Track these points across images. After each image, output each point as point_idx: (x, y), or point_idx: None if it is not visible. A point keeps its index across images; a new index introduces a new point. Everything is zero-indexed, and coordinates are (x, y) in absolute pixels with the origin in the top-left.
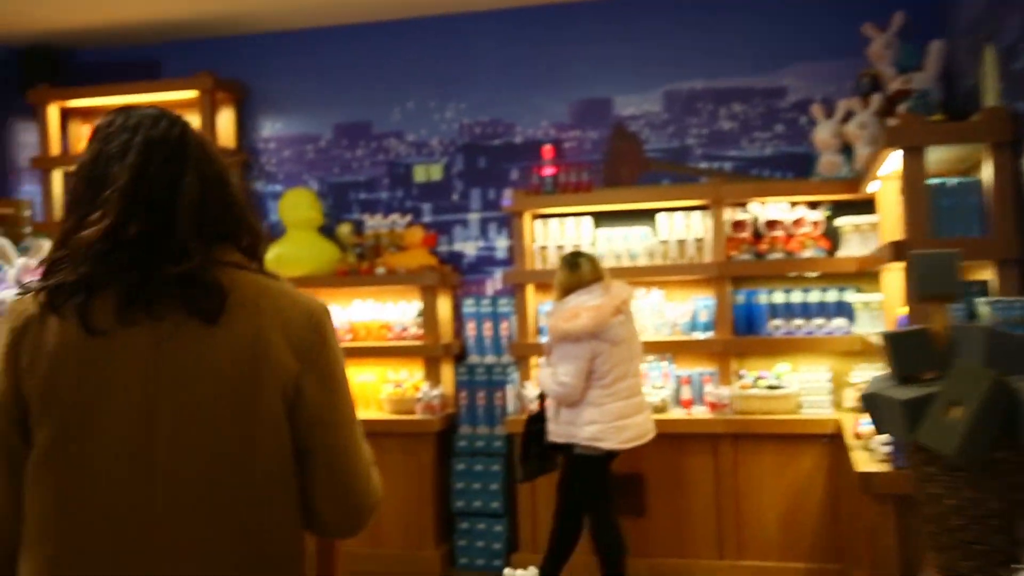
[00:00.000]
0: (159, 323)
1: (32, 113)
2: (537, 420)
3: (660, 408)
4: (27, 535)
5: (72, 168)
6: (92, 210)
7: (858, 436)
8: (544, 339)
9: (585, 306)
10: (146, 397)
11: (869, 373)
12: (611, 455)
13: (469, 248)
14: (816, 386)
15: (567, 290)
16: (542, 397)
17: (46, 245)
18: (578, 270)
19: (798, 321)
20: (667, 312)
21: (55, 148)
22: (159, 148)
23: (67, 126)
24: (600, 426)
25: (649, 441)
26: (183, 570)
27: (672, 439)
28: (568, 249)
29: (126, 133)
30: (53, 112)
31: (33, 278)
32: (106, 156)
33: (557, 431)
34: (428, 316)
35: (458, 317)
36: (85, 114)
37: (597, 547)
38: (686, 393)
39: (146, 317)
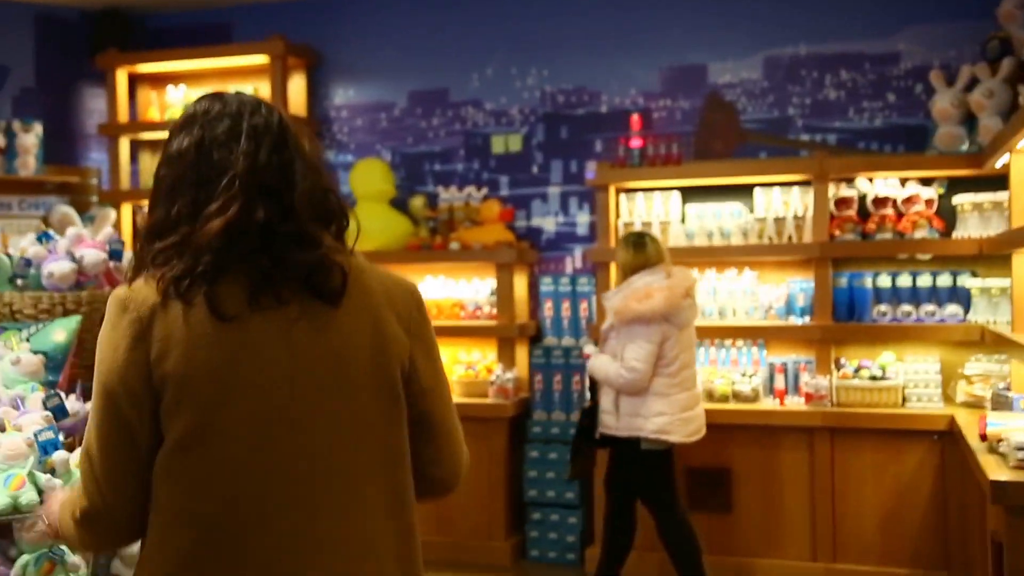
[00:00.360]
0: (285, 308)
1: (101, 79)
2: (590, 414)
3: (751, 398)
4: (158, 524)
5: (138, 136)
6: (202, 197)
7: (984, 438)
8: (605, 324)
9: (657, 286)
10: (284, 380)
11: (985, 365)
12: (671, 449)
13: (548, 224)
14: (924, 378)
15: (632, 271)
16: (593, 389)
17: (112, 215)
18: (644, 250)
19: (906, 307)
20: (761, 295)
21: (123, 115)
22: (266, 135)
23: (135, 93)
24: (668, 418)
25: (735, 433)
26: (331, 547)
27: (763, 431)
28: (655, 225)
29: (228, 119)
30: (122, 77)
31: (87, 249)
32: (212, 142)
33: (617, 424)
34: (503, 295)
35: (535, 296)
36: (154, 80)
37: (668, 546)
38: (780, 382)
39: (274, 302)
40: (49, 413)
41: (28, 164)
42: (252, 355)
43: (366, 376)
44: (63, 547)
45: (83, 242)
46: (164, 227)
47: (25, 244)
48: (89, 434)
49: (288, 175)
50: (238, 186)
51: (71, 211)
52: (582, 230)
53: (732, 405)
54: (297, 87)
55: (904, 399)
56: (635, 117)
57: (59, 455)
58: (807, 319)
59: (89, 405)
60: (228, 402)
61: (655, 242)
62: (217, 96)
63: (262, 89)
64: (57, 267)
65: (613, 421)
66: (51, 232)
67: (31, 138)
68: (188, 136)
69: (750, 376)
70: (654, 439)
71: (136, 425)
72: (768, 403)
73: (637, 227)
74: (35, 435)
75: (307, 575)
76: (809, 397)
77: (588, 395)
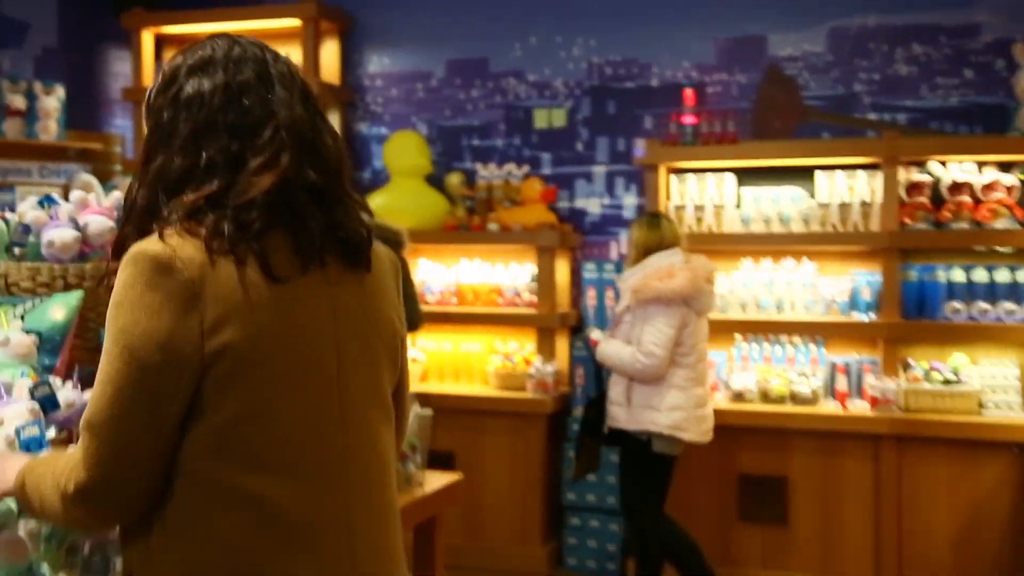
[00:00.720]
0: (325, 270)
1: (126, 40)
2: (598, 406)
3: (810, 400)
4: (199, 504)
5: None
6: (236, 146)
7: None
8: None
9: (679, 266)
10: (332, 347)
11: None
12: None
13: (593, 205)
14: (1002, 383)
15: (646, 250)
16: (600, 379)
17: None
18: (659, 229)
19: (982, 304)
20: (821, 288)
21: (149, 79)
22: (293, 85)
23: (162, 55)
24: (684, 413)
25: (793, 439)
26: (373, 519)
27: (823, 437)
28: (709, 209)
29: (253, 64)
30: (147, 39)
31: (93, 216)
32: (241, 87)
33: (628, 417)
34: (544, 281)
35: (577, 283)
36: (181, 42)
37: (672, 554)
38: (841, 384)
39: (318, 264)
40: (36, 404)
41: (49, 129)
42: (306, 319)
43: (383, 343)
44: (43, 570)
45: (88, 208)
46: (189, 177)
47: (24, 208)
48: (98, 404)
49: (320, 130)
50: (285, 138)
51: (92, 179)
52: (629, 213)
53: (789, 407)
54: (329, 53)
55: (981, 406)
56: (688, 92)
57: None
58: (872, 315)
59: (87, 394)
60: (287, 371)
61: (671, 222)
62: (231, 37)
63: (293, 55)
64: (58, 235)
65: (623, 413)
66: (55, 195)
67: (53, 101)
68: (208, 78)
69: (809, 376)
70: (667, 436)
71: (168, 398)
72: (829, 406)
73: (689, 210)
74: (16, 431)
75: (357, 549)
76: (875, 401)
77: (595, 385)
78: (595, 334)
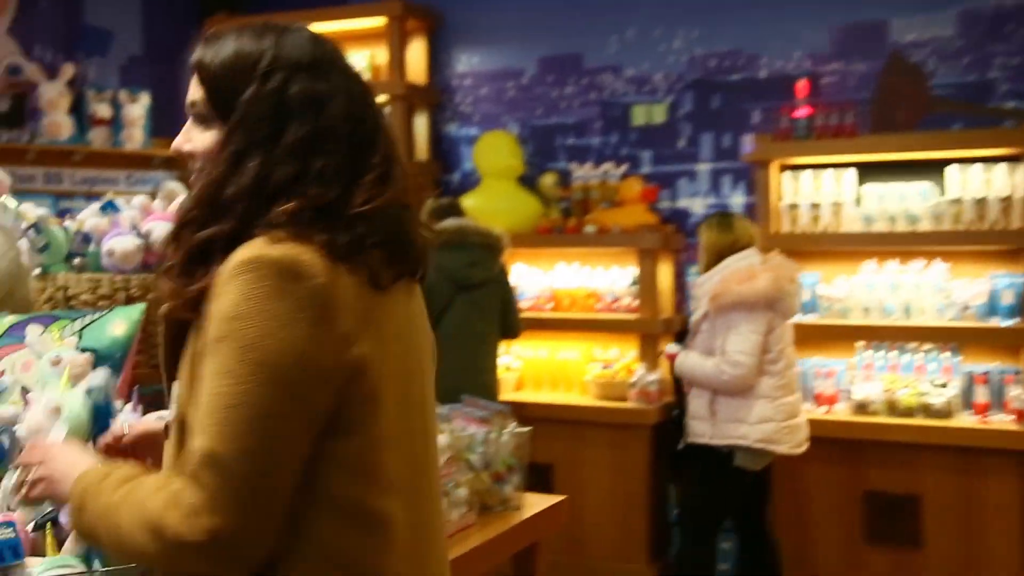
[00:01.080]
0: (403, 283)
1: None
2: (682, 424)
3: (944, 412)
4: (350, 520)
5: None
6: (349, 161)
7: None
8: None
9: (760, 267)
10: (418, 360)
11: None
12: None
13: (697, 205)
14: None
15: (717, 253)
16: (679, 392)
17: None
18: (731, 230)
19: None
20: (955, 291)
21: None
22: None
23: None
24: (775, 425)
25: (925, 454)
26: (442, 535)
27: (960, 453)
28: (826, 208)
29: (358, 74)
30: None
31: (157, 223)
32: (359, 98)
33: (713, 431)
34: (645, 285)
35: (681, 287)
36: None
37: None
38: (980, 395)
39: (403, 279)
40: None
41: (134, 137)
42: (405, 333)
43: (433, 353)
44: None
45: (152, 214)
46: (294, 185)
47: (84, 215)
48: (224, 435)
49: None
50: (393, 153)
51: (179, 187)
52: (737, 212)
53: (920, 420)
54: (416, 53)
55: None
56: (801, 83)
57: None
58: (1014, 321)
59: (149, 416)
60: (405, 386)
61: (743, 222)
62: (331, 41)
63: (379, 55)
64: (119, 243)
65: (707, 428)
66: (117, 202)
67: (138, 109)
68: (324, 81)
69: (943, 386)
70: (757, 449)
71: (311, 419)
72: (965, 419)
73: (804, 209)
74: (89, 391)
75: (444, 560)
76: (1020, 415)
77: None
78: (671, 347)
